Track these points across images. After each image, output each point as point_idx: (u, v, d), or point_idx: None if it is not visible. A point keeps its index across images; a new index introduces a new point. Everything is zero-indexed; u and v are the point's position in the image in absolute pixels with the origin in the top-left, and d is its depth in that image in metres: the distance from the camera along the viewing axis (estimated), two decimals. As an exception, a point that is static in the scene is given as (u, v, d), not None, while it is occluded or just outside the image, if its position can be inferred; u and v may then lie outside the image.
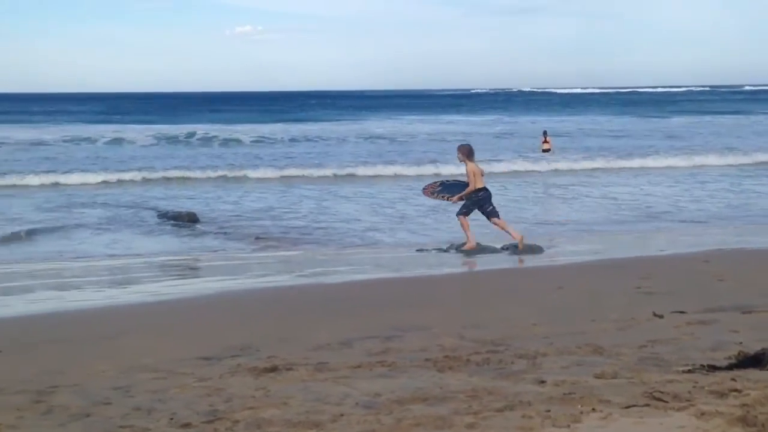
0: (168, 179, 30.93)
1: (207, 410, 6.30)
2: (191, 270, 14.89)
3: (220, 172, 32.54)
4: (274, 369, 7.48)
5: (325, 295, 12.08)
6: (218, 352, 8.29)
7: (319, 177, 31.66)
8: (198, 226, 19.93)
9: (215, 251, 16.40)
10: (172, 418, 6.12)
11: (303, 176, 31.88)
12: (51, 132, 57.44)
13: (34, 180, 29.65)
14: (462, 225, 15.32)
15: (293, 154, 42.26)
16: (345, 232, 18.60)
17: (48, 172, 32.18)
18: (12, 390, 7.05)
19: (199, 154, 42.36)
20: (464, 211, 15.39)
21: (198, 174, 32.08)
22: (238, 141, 51.61)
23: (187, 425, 5.96)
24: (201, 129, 58.18)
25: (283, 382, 7.09)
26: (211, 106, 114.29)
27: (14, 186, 28.66)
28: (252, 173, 32.30)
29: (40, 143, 48.49)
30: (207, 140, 51.67)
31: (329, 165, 34.63)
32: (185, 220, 20.57)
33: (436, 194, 16.23)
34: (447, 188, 16.04)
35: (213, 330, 9.59)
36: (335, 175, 32.16)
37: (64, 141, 50.14)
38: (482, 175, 15.49)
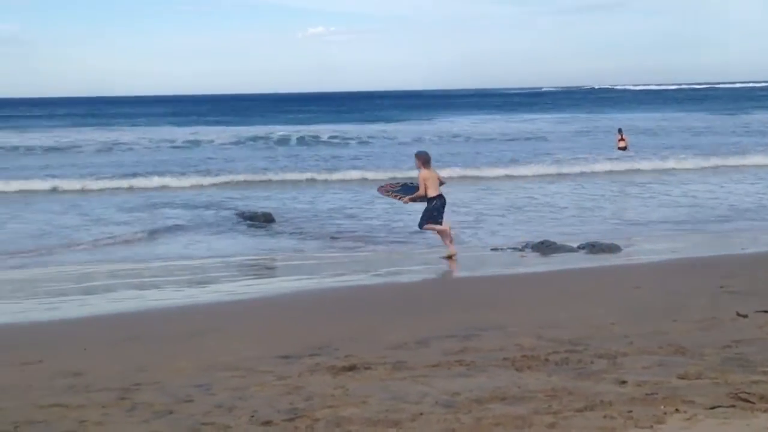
0: (246, 181, 30.96)
1: (287, 408, 6.36)
2: (268, 270, 15.03)
3: (296, 174, 32.55)
4: (352, 368, 7.52)
5: (401, 294, 12.10)
6: (296, 350, 8.37)
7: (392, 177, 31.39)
8: (273, 226, 20.11)
9: (291, 251, 16.53)
10: (252, 416, 6.19)
11: (379, 179, 31.55)
12: (129, 134, 58.65)
13: (112, 183, 30.10)
14: (438, 231, 15.43)
15: (371, 155, 42.36)
16: (419, 231, 18.58)
17: (127, 175, 32.80)
18: (97, 387, 7.21)
19: (277, 155, 42.68)
20: (426, 219, 15.43)
21: (271, 176, 32.16)
22: (314, 140, 51.98)
23: (267, 423, 6.03)
24: (277, 130, 58.79)
25: (362, 380, 7.13)
26: (283, 107, 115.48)
27: (100, 190, 29.16)
28: (333, 175, 32.10)
29: (115, 144, 49.46)
30: (284, 141, 52.16)
31: (402, 166, 34.49)
32: (261, 221, 20.77)
33: (391, 193, 16.33)
34: (405, 190, 16.03)
35: (291, 329, 9.67)
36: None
37: (141, 143, 50.94)
38: (441, 184, 15.55)
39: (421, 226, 15.60)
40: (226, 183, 30.41)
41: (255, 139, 53.26)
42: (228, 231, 19.38)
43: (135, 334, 9.62)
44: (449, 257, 14.97)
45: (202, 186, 29.94)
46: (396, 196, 16.23)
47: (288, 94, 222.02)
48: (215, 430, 5.90)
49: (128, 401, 6.72)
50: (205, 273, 14.39)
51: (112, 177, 31.55)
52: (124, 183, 30.08)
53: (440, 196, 15.33)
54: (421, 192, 15.28)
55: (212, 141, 51.59)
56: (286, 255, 16.11)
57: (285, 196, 26.40)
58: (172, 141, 51.51)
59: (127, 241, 17.85)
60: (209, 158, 40.85)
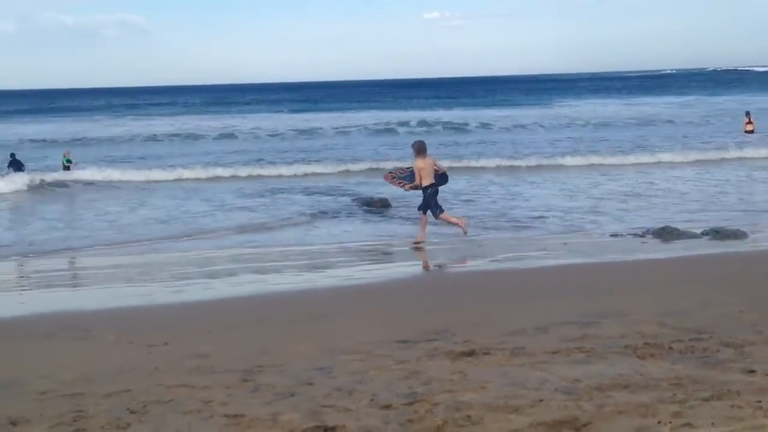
0: (365, 170, 30.58)
1: (406, 392, 6.39)
2: (385, 255, 15.10)
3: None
4: (471, 353, 7.50)
5: (519, 280, 11.99)
6: (414, 335, 8.39)
7: (512, 167, 30.84)
8: (390, 211, 20.22)
9: (408, 236, 16.57)
10: (372, 399, 6.24)
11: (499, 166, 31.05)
12: (249, 121, 59.92)
13: (233, 170, 30.62)
14: (421, 222, 15.79)
15: (485, 141, 42.14)
16: (537, 217, 18.40)
17: (249, 162, 33.50)
18: (221, 369, 7.39)
19: (397, 142, 42.75)
20: (435, 208, 15.74)
21: (389, 163, 32.01)
22: (434, 126, 52.08)
23: (387, 406, 6.06)
24: (396, 116, 59.25)
25: (481, 366, 7.10)
26: (400, 93, 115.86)
27: (219, 177, 29.79)
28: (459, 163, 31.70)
29: (235, 131, 50.55)
30: (402, 127, 52.38)
31: (520, 155, 34.06)
32: (378, 206, 20.92)
33: (396, 180, 16.61)
34: (411, 177, 16.17)
35: (408, 314, 9.70)
36: (538, 166, 30.87)
37: (261, 130, 51.87)
38: (438, 171, 15.92)
39: (435, 216, 15.76)
40: (344, 171, 30.53)
41: (374, 125, 53.62)
42: (345, 217, 19.57)
43: (257, 317, 9.81)
44: (418, 243, 15.31)
45: (321, 173, 30.19)
46: (401, 183, 16.45)
47: (404, 80, 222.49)
48: (336, 413, 5.96)
49: (251, 383, 6.86)
50: (323, 258, 14.55)
51: (233, 164, 32.25)
52: (244, 171, 30.57)
53: (433, 185, 15.56)
54: (417, 181, 15.60)
55: (330, 128, 52.20)
56: (403, 240, 16.16)
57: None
58: (291, 128, 52.31)
59: (252, 227, 18.22)
60: (327, 145, 41.33)
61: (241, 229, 17.98)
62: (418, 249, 15.23)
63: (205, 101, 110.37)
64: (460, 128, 52.19)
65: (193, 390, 6.70)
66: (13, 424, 6.02)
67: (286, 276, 12.89)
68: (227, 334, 8.99)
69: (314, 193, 24.21)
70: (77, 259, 15.09)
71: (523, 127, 51.76)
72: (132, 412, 6.16)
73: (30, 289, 12.80)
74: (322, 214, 19.94)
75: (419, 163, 15.55)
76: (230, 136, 49.63)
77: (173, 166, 31.30)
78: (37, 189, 26.66)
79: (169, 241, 16.61)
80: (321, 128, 52.57)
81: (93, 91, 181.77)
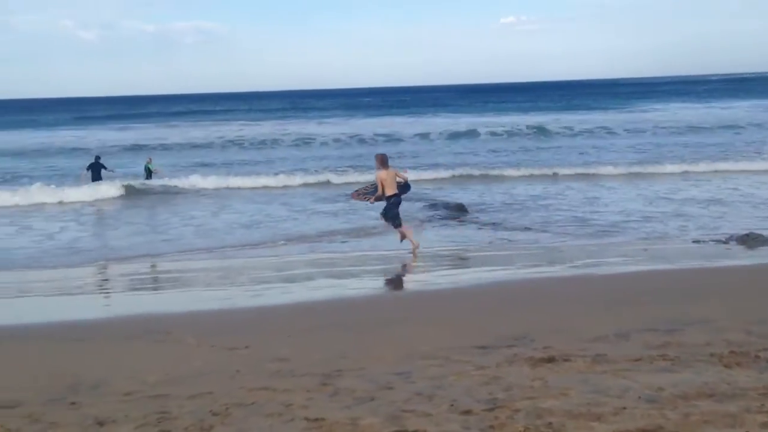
0: (443, 178, 30.36)
1: (486, 398, 6.35)
2: (461, 260, 15.04)
3: (494, 170, 32.00)
4: (551, 359, 7.42)
5: (599, 286, 11.84)
6: (493, 341, 8.34)
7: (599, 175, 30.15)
8: (467, 216, 20.16)
9: (484, 241, 16.49)
10: (452, 405, 6.21)
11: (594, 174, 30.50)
12: (325, 127, 60.26)
13: (312, 177, 30.80)
14: (404, 233, 15.77)
15: (579, 146, 41.75)
16: (617, 223, 18.16)
17: (326, 168, 33.73)
18: (301, 372, 7.44)
19: (476, 148, 42.55)
20: (394, 218, 15.80)
21: (467, 170, 31.84)
22: (511, 132, 51.78)
23: (467, 412, 6.03)
24: (472, 122, 59.04)
25: (561, 372, 7.02)
26: (476, 98, 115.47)
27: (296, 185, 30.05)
28: (519, 171, 31.41)
29: (312, 137, 50.82)
30: (478, 133, 52.21)
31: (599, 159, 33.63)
32: (454, 211, 20.89)
33: (361, 196, 16.87)
34: (373, 191, 16.35)
35: (486, 319, 9.65)
36: (617, 171, 30.32)
37: (336, 136, 52.07)
38: (403, 181, 16.12)
39: (395, 226, 15.91)
40: (421, 177, 30.37)
41: (451, 130, 53.42)
42: (421, 221, 19.56)
43: (335, 321, 9.85)
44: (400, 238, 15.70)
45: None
46: (365, 197, 16.69)
47: (479, 85, 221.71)
48: (416, 418, 5.95)
49: (331, 386, 6.89)
50: (399, 263, 14.56)
51: (310, 170, 32.51)
52: (321, 177, 30.75)
53: (396, 195, 15.79)
54: (380, 192, 15.79)
55: (407, 133, 52.20)
56: (480, 245, 16.09)
57: (480, 188, 26.45)
58: (367, 133, 52.41)
59: (328, 232, 18.35)
60: (403, 152, 41.29)
61: (319, 233, 18.11)
62: (414, 255, 15.18)
63: (281, 107, 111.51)
64: (540, 132, 51.77)
65: (274, 393, 6.75)
66: (100, 424, 6.14)
67: (364, 280, 12.94)
68: (306, 337, 9.05)
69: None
70: (160, 264, 15.35)
71: (606, 131, 51.15)
72: (214, 414, 6.24)
73: (114, 292, 13.08)
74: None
75: (382, 174, 15.79)
76: (307, 141, 50.01)
77: (257, 174, 31.58)
78: (124, 195, 27.23)
79: (250, 245, 16.80)
80: (397, 133, 52.59)
81: (172, 98, 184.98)
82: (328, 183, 29.70)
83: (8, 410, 6.58)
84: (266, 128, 62.15)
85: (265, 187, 28.91)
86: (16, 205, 24.89)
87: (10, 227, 20.87)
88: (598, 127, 52.64)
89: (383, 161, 15.92)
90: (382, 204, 16.11)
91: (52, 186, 28.15)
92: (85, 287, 13.55)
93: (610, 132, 50.78)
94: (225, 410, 6.34)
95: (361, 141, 49.83)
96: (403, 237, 15.88)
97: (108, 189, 27.33)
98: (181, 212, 22.86)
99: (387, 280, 12.91)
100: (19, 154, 46.04)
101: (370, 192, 16.58)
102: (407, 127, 57.59)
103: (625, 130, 51.26)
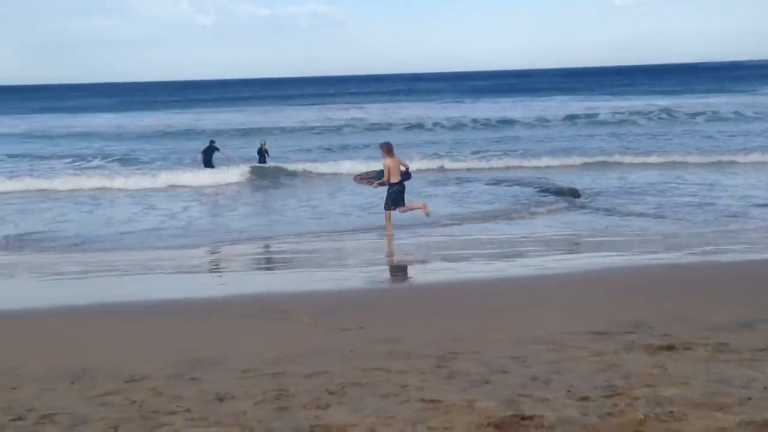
0: (563, 165, 29.46)
1: (604, 385, 6.25)
2: (575, 245, 14.83)
3: (612, 156, 31.14)
4: (670, 347, 7.25)
5: (719, 274, 11.51)
6: (610, 327, 8.20)
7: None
8: (579, 201, 19.88)
9: (598, 227, 16.23)
10: (569, 390, 6.13)
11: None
12: (443, 110, 60.10)
13: (432, 163, 30.50)
14: (387, 218, 16.33)
15: (704, 132, 40.62)
16: (737, 211, 17.63)
17: (440, 152, 33.67)
18: (415, 354, 7.46)
19: (595, 133, 41.76)
20: (389, 204, 16.42)
21: (580, 158, 31.03)
22: (637, 117, 50.44)
23: (585, 398, 5.95)
24: (592, 106, 57.90)
25: (681, 360, 6.85)
26: (593, 81, 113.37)
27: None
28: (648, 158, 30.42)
29: (423, 121, 50.70)
30: (600, 117, 51.09)
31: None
32: (567, 196, 20.61)
33: (365, 180, 17.63)
34: (379, 176, 17.04)
35: (602, 305, 9.49)
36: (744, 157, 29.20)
37: (449, 119, 51.80)
38: (405, 170, 16.71)
39: (386, 208, 16.46)
40: (532, 164, 29.96)
41: (565, 115, 52.40)
42: (534, 206, 19.37)
43: (448, 304, 9.85)
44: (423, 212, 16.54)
45: (512, 167, 29.66)
46: (369, 182, 17.42)
47: (595, 68, 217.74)
48: (532, 402, 5.89)
49: (446, 369, 6.88)
50: (512, 247, 14.46)
51: (421, 154, 32.39)
52: (434, 163, 30.46)
53: (400, 183, 16.44)
54: (386, 178, 16.47)
55: (521, 117, 51.51)
56: (594, 230, 15.84)
57: (594, 173, 26.07)
58: (480, 118, 51.85)
59: (441, 216, 18.34)
60: (519, 138, 40.70)
61: (432, 217, 18.11)
62: (388, 240, 15.56)
63: (392, 90, 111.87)
64: (661, 116, 50.37)
65: (389, 374, 6.78)
66: (220, 399, 6.28)
67: (476, 264, 12.88)
68: (419, 319, 9.07)
69: (502, 183, 24.11)
70: (275, 244, 15.61)
71: (735, 114, 49.54)
72: (331, 393, 6.31)
73: (231, 272, 13.38)
74: (512, 204, 19.82)
75: (388, 162, 16.43)
76: (419, 126, 49.85)
77: (368, 158, 31.45)
78: (244, 179, 27.62)
79: (363, 229, 16.91)
80: (512, 118, 51.91)
81: (287, 81, 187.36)
82: (442, 169, 29.51)
83: (133, 383, 6.80)
84: (377, 111, 62.36)
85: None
86: (143, 189, 25.48)
87: (136, 206, 21.55)
88: (712, 111, 50.95)
89: (389, 150, 16.55)
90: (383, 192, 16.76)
91: (175, 169, 28.92)
92: (203, 266, 13.90)
93: (739, 115, 49.08)
94: (341, 389, 6.40)
95: (475, 124, 49.45)
96: (408, 210, 16.63)
97: (230, 173, 27.79)
98: (297, 195, 23.20)
99: (498, 264, 12.81)
100: (141, 136, 47.33)
101: (373, 177, 17.31)
102: (520, 111, 56.97)
103: (754, 113, 49.48)
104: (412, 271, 12.59)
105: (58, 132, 50.27)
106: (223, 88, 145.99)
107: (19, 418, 5.98)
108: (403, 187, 16.54)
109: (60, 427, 5.77)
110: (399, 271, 12.95)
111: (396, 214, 16.42)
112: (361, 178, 17.80)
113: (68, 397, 6.48)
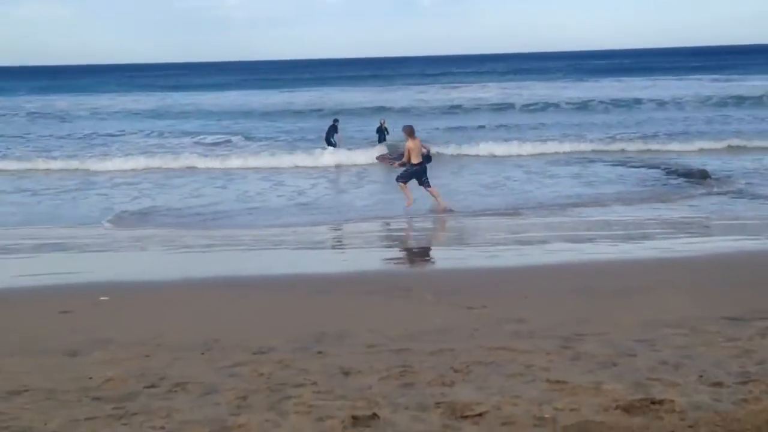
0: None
1: (738, 371, 6.06)
2: (704, 228, 14.43)
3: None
4: (808, 334, 6.98)
5: None
6: (744, 312, 7.94)
7: None
8: (709, 183, 19.31)
9: (727, 210, 15.74)
10: (701, 376, 5.97)
11: None
12: (569, 89, 58.97)
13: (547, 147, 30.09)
14: (401, 188, 17.46)
15: None
16: None
17: (565, 134, 33.08)
18: (540, 334, 7.39)
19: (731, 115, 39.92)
20: (402, 179, 17.42)
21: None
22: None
23: (717, 384, 5.78)
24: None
25: (820, 348, 6.59)
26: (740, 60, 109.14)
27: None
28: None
29: (541, 102, 49.76)
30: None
31: None
32: (696, 177, 20.05)
33: (387, 160, 19.25)
34: (401, 157, 18.05)
35: (735, 290, 9.20)
36: None
37: (569, 101, 50.57)
38: (426, 152, 17.53)
39: (397, 180, 17.59)
40: (663, 150, 28.97)
41: (703, 96, 49.91)
42: (660, 187, 18.94)
43: (573, 285, 9.71)
44: (443, 209, 16.67)
45: (640, 150, 28.60)
46: (390, 162, 18.56)
47: (734, 46, 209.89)
48: (662, 387, 5.76)
49: (571, 350, 6.79)
50: (638, 229, 14.16)
51: (544, 136, 31.78)
52: (557, 146, 29.63)
53: (421, 164, 17.28)
54: (405, 159, 17.42)
55: (647, 98, 49.70)
56: (723, 213, 15.37)
57: (726, 156, 25.28)
58: (608, 98, 50.18)
59: (563, 198, 18.12)
60: (651, 119, 39.21)
61: (554, 198, 17.90)
62: (443, 210, 16.57)
63: (512, 68, 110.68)
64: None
65: (514, 353, 6.74)
66: (346, 373, 6.35)
67: (601, 246, 12.67)
68: (543, 300, 8.98)
69: (627, 164, 23.63)
70: (396, 223, 15.70)
71: None
72: (455, 371, 6.30)
73: (354, 248, 13.52)
74: (637, 185, 19.42)
75: (410, 144, 17.38)
76: (545, 107, 48.50)
77: (497, 140, 30.85)
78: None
79: (486, 209, 16.83)
80: (639, 99, 49.97)
81: (405, 60, 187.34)
82: (563, 152, 28.70)
83: (261, 355, 6.95)
84: (497, 91, 61.55)
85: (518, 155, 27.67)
86: (272, 167, 25.70)
87: (266, 182, 22.02)
88: None
89: (411, 132, 17.55)
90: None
91: (303, 147, 29.22)
92: (326, 242, 14.10)
93: None
94: (465, 367, 6.39)
95: (601, 106, 47.80)
96: (405, 191, 17.37)
97: (358, 153, 27.64)
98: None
99: (624, 246, 12.54)
100: (267, 113, 47.79)
101: (395, 158, 18.51)
102: (642, 92, 55.18)
103: None
104: (534, 251, 12.46)
105: (188, 109, 51.44)
106: (348, 66, 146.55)
107: (153, 386, 6.18)
108: (425, 168, 17.33)
109: (191, 396, 5.93)
110: (521, 251, 12.83)
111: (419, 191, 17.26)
112: (384, 158, 18.98)
113: (199, 367, 6.67)
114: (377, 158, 19.61)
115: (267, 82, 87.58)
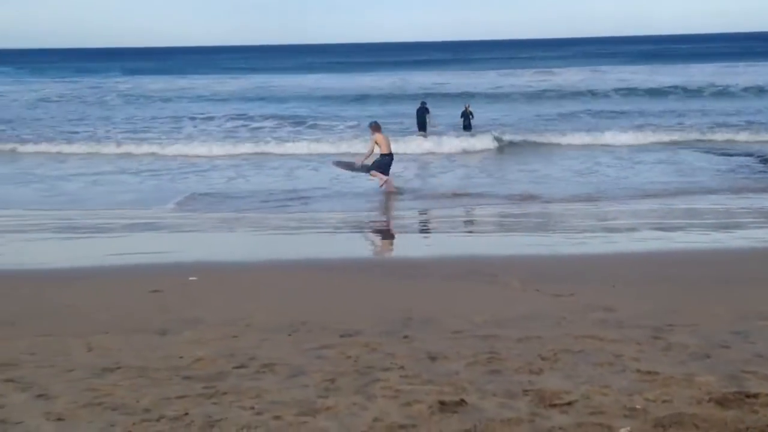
0: None
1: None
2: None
3: None
4: None
5: None
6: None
7: None
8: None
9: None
10: (799, 371, 5.80)
11: None
12: (654, 73, 57.61)
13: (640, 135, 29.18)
14: (373, 174, 18.19)
15: None
16: None
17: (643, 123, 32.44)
18: (629, 324, 7.26)
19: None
20: (376, 169, 18.13)
21: None
22: None
23: (815, 380, 5.60)
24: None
25: None
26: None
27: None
28: None
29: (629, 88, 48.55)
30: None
31: None
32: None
33: (343, 165, 19.58)
34: (351, 165, 19.17)
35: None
36: None
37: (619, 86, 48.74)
38: (389, 144, 18.39)
39: (368, 171, 18.28)
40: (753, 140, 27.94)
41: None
42: (750, 175, 18.49)
43: (662, 274, 9.54)
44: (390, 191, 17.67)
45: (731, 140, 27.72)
46: (348, 166, 19.17)
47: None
48: (757, 380, 5.61)
49: (662, 341, 6.66)
50: (730, 218, 13.83)
51: (621, 125, 30.93)
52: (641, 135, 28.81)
53: (390, 155, 18.21)
54: (367, 151, 18.50)
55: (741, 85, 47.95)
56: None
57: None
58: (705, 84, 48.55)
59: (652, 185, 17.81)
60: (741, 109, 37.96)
61: (645, 185, 17.61)
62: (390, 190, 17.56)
63: (587, 52, 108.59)
64: None
65: (602, 342, 6.64)
66: (432, 358, 6.34)
67: (692, 235, 12.39)
68: (632, 289, 8.84)
69: (717, 152, 23.12)
70: (482, 209, 15.62)
71: None
72: (543, 359, 6.24)
73: (440, 233, 13.51)
74: (727, 174, 18.98)
75: (379, 137, 18.24)
76: (630, 91, 47.12)
77: (575, 131, 29.69)
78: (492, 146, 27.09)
79: (575, 196, 16.62)
80: (722, 83, 48.26)
81: (472, 44, 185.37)
82: (650, 143, 27.87)
83: (348, 338, 6.98)
84: (580, 75, 60.21)
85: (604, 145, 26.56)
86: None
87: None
88: None
89: (377, 128, 18.52)
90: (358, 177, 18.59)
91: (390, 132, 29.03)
92: (413, 227, 14.10)
93: None
94: (553, 355, 6.32)
95: (687, 92, 46.15)
96: (380, 179, 17.97)
97: (477, 140, 27.37)
98: (521, 162, 22.76)
99: (716, 235, 12.25)
100: (362, 96, 47.15)
101: (350, 164, 19.22)
102: (734, 78, 53.06)
103: None
104: (622, 238, 12.25)
105: (270, 93, 51.69)
106: (433, 50, 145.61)
107: (242, 366, 6.26)
108: (392, 159, 18.22)
109: (279, 377, 5.99)
110: (609, 238, 12.63)
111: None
112: (340, 164, 19.65)
113: (286, 348, 6.73)
114: (333, 163, 20.04)
115: (351, 66, 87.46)
